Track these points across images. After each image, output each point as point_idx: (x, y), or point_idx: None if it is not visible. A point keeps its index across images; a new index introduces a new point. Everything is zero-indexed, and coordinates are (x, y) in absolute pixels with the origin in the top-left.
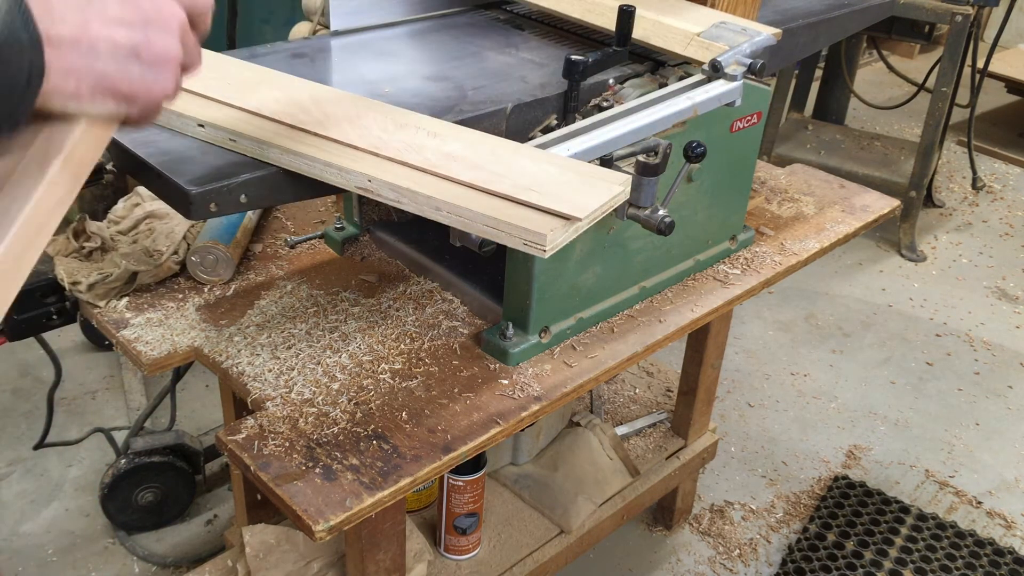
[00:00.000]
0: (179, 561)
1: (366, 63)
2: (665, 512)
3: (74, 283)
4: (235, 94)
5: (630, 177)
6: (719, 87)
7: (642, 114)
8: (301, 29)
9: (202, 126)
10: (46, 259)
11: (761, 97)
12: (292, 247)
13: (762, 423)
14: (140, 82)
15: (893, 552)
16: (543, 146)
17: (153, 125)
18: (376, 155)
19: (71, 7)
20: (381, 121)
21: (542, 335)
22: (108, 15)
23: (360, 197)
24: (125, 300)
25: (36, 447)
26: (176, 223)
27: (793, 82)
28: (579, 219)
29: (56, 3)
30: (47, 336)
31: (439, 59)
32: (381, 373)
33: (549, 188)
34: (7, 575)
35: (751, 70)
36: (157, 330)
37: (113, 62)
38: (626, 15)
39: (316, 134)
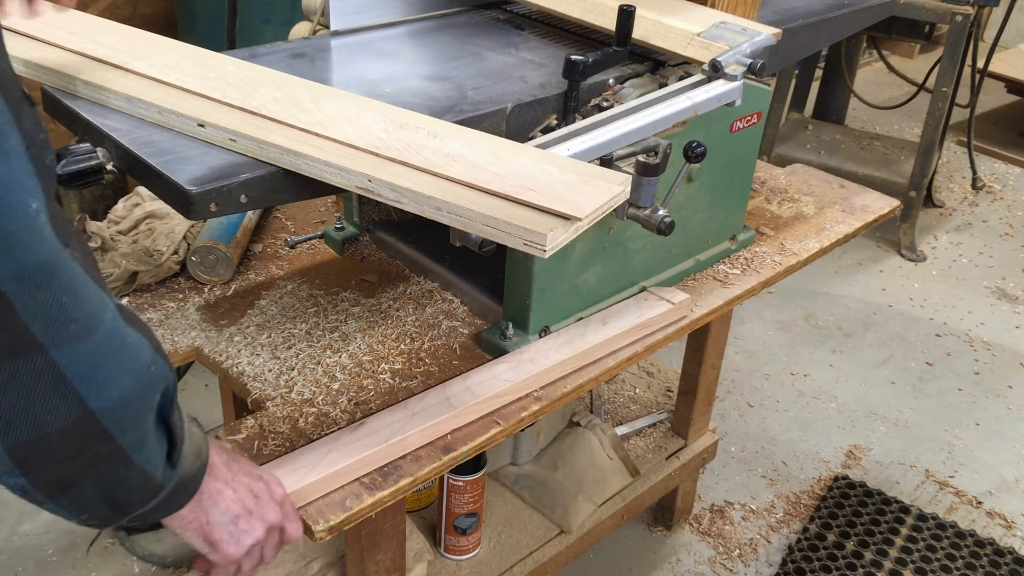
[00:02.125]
0: (179, 561)
1: (366, 63)
2: (665, 512)
3: None
4: (235, 94)
5: (630, 177)
6: (719, 87)
7: (642, 114)
8: (301, 29)
9: (202, 126)
10: None
11: (761, 97)
12: (292, 247)
13: (762, 423)
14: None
15: (893, 552)
16: (543, 146)
17: (152, 125)
18: (376, 155)
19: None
20: (381, 121)
21: (542, 335)
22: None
23: (360, 197)
24: (125, 300)
25: None
26: (176, 223)
27: (793, 82)
28: (579, 219)
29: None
30: None
31: (439, 59)
32: (381, 373)
33: (549, 188)
34: (7, 575)
35: (751, 70)
36: (157, 330)
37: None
38: (626, 15)
39: (316, 134)
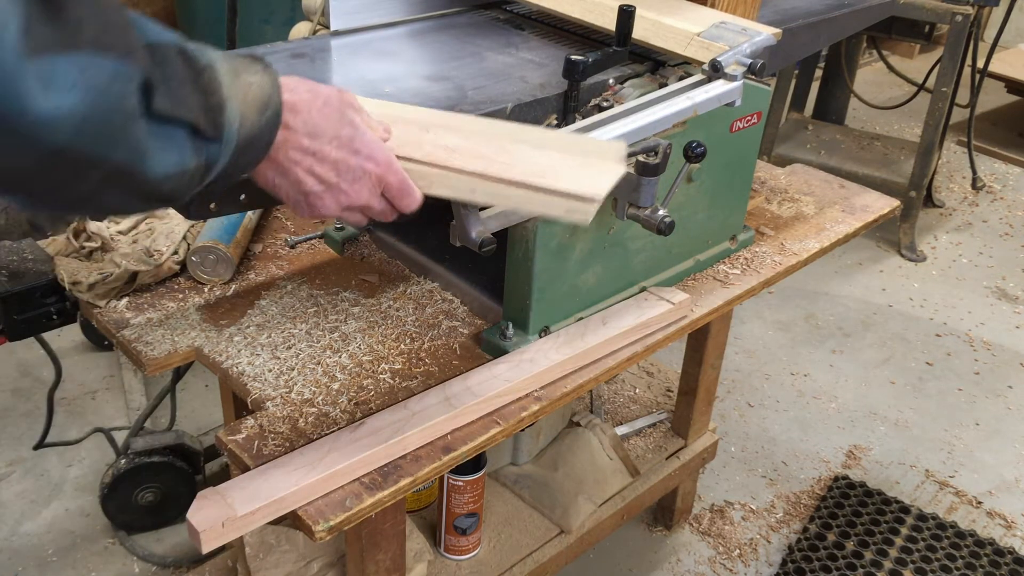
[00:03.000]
0: (179, 561)
1: (366, 63)
2: (665, 512)
3: (74, 283)
4: None
5: (624, 146)
6: (719, 87)
7: (642, 114)
8: (301, 29)
9: None
10: (46, 259)
11: (761, 97)
12: (292, 247)
13: (762, 423)
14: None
15: (893, 552)
16: None
17: None
18: None
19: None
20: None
21: (542, 335)
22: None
23: None
24: (125, 300)
25: (36, 447)
26: (176, 223)
27: (793, 82)
28: (599, 199)
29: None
30: (47, 336)
31: (439, 59)
32: (381, 373)
33: (558, 171)
34: (7, 575)
35: (751, 70)
36: (157, 330)
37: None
38: (626, 15)
39: None
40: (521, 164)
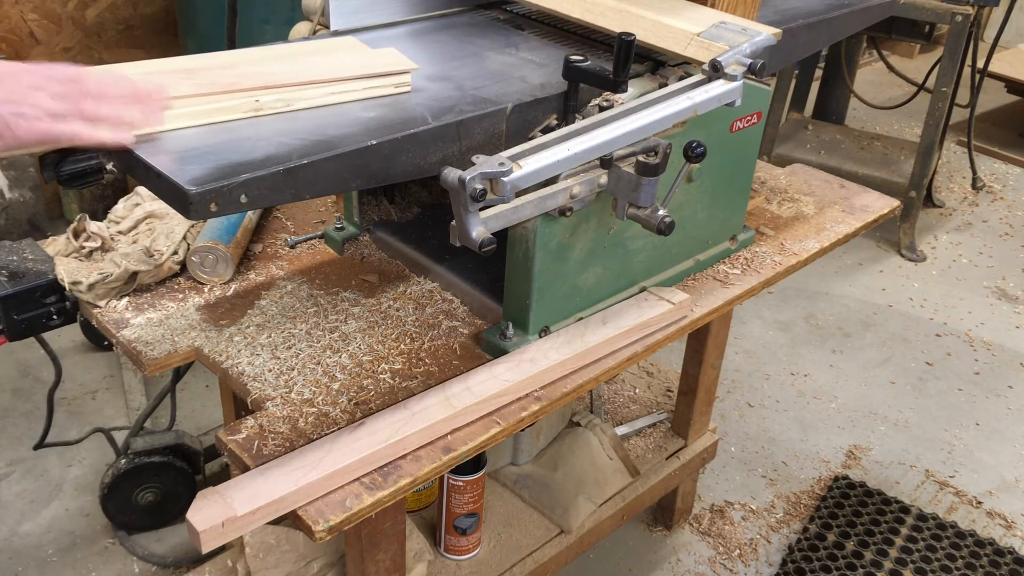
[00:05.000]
0: (179, 561)
1: None
2: (665, 512)
3: (74, 283)
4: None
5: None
6: (719, 87)
7: (642, 114)
8: (301, 29)
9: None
10: (46, 259)
11: (761, 97)
12: (292, 247)
13: (762, 423)
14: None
15: (893, 552)
16: (544, 145)
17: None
18: (230, 92)
19: None
20: (183, 76)
21: (542, 335)
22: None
23: (360, 196)
24: (125, 300)
25: (36, 447)
26: (176, 223)
27: (793, 82)
28: (416, 67)
29: None
30: (47, 336)
31: (439, 59)
32: (381, 373)
33: (363, 64)
34: (7, 575)
35: (751, 70)
36: (157, 330)
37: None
38: (626, 44)
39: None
40: (334, 69)
